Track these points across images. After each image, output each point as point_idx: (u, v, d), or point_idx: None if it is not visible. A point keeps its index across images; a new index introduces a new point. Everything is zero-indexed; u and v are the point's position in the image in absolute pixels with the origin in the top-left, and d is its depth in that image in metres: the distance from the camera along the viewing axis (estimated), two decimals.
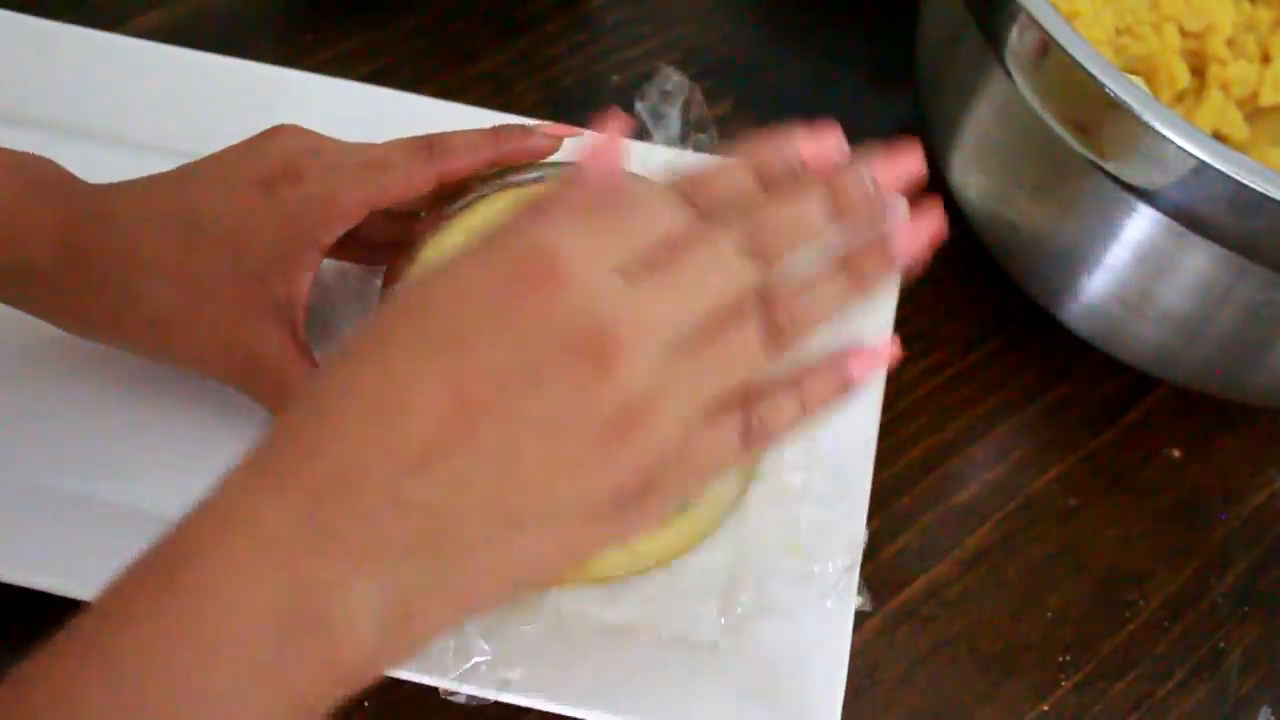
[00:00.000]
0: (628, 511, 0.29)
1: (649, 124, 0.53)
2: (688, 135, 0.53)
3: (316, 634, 0.27)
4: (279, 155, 0.41)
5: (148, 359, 0.42)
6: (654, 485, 0.29)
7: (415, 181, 0.42)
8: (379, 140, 0.44)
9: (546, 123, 0.44)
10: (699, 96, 0.54)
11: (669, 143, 0.53)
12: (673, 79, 0.54)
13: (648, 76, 0.58)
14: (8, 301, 0.41)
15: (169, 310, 0.40)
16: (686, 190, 0.31)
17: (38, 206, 0.40)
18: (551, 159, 0.45)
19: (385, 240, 0.44)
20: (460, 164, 0.42)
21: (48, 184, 0.41)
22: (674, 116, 0.54)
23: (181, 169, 0.42)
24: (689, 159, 0.52)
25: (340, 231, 0.41)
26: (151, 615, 0.26)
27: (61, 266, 0.40)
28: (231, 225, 0.40)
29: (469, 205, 0.43)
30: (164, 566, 0.27)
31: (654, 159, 0.51)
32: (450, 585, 0.28)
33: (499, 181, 0.44)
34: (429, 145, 0.42)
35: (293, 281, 0.40)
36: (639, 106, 0.54)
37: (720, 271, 0.30)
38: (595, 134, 0.31)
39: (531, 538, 0.28)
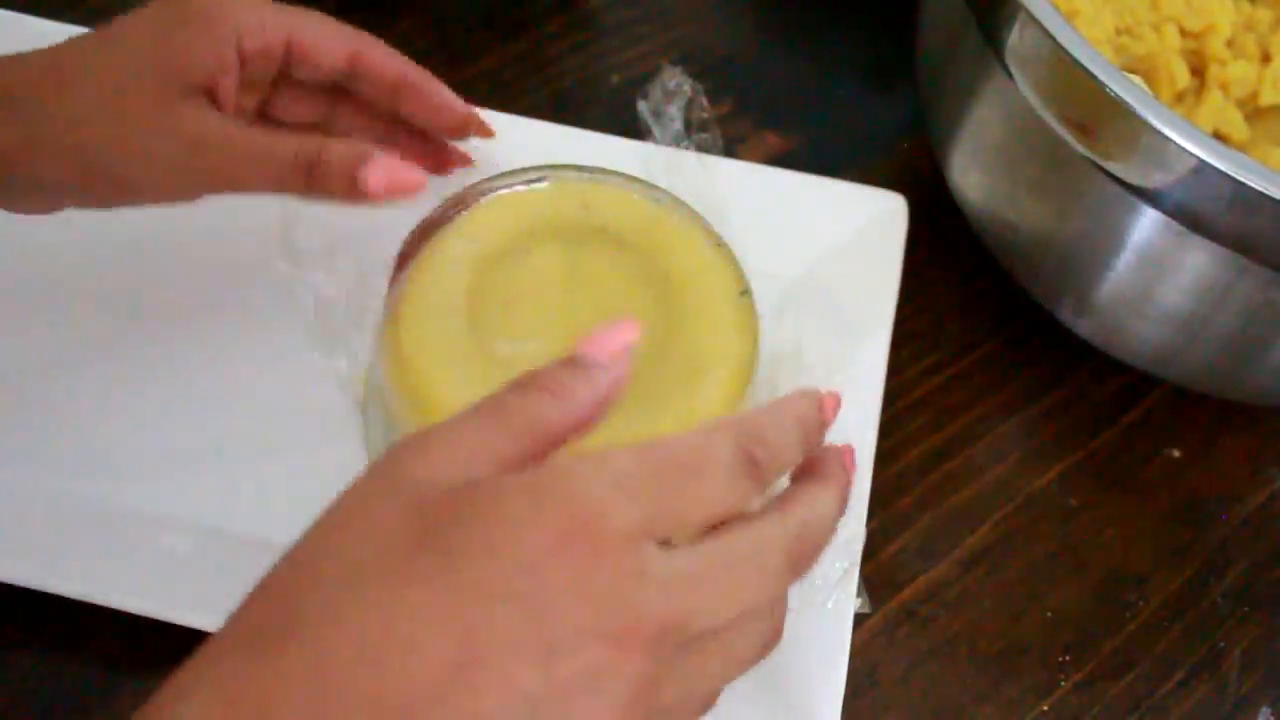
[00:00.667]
0: None
1: (651, 123, 0.53)
2: (690, 134, 0.53)
3: None
4: None
5: (74, 194, 0.41)
6: None
7: (342, 39, 0.43)
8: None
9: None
10: (701, 96, 0.54)
11: (671, 141, 0.53)
12: (675, 78, 0.54)
13: (648, 76, 0.58)
14: None
15: (98, 106, 0.39)
16: (751, 448, 0.29)
17: None
18: (553, 162, 0.45)
19: (298, 122, 0.44)
20: (376, 56, 0.43)
21: None
22: (676, 116, 0.54)
23: None
24: (689, 159, 0.52)
25: (253, 24, 0.41)
26: None
27: None
28: (152, 27, 0.40)
29: (465, 210, 0.43)
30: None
31: (657, 159, 0.51)
32: None
33: (496, 186, 0.44)
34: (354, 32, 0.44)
35: (219, 80, 0.40)
36: (641, 106, 0.54)
37: (763, 576, 0.29)
38: None
39: None
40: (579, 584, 0.26)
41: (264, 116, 0.45)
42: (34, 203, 0.42)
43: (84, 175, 0.40)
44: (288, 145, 0.40)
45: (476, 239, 0.42)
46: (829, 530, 0.31)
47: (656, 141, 0.53)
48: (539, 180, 0.44)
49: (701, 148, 0.53)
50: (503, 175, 0.44)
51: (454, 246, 0.41)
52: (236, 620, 0.26)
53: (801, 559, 0.30)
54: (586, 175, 0.44)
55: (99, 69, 0.40)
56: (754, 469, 0.29)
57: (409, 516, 0.27)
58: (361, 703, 0.24)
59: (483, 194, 0.44)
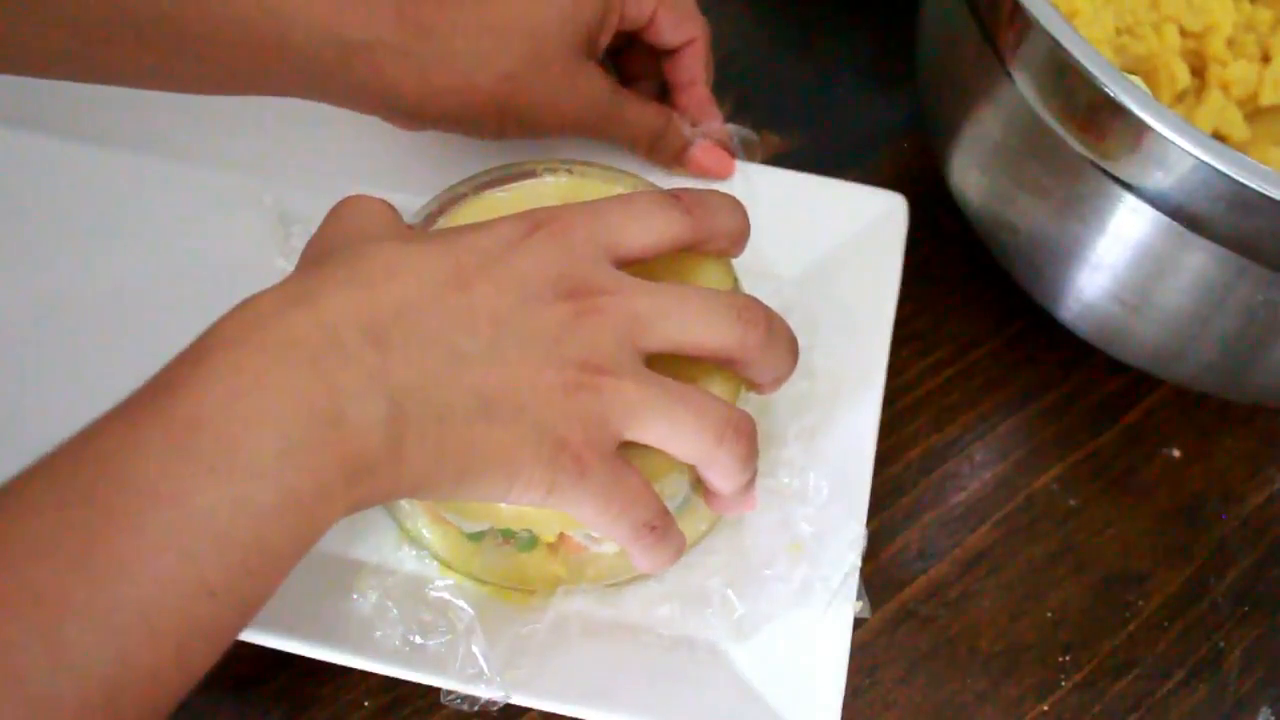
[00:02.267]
0: (561, 471, 0.34)
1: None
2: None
3: (336, 427, 0.31)
4: None
5: (483, 129, 0.45)
6: (587, 463, 0.35)
7: (679, 26, 0.49)
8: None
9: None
10: (738, 95, 0.54)
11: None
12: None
13: None
14: (340, 95, 0.43)
15: (523, 64, 0.44)
16: (672, 191, 0.40)
17: None
18: (537, 159, 0.44)
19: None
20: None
21: None
22: None
23: None
24: None
25: (633, 12, 0.47)
26: (202, 385, 0.30)
27: (403, 36, 0.42)
28: None
29: (455, 208, 0.43)
30: (204, 355, 0.31)
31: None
32: (431, 437, 0.33)
33: (481, 185, 0.43)
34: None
35: (603, 38, 0.47)
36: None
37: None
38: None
39: (495, 434, 0.33)
40: (547, 255, 0.36)
41: None
42: (425, 124, 0.45)
43: (499, 121, 0.45)
44: (647, 118, 0.49)
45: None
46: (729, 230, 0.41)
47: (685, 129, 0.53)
48: (524, 177, 0.43)
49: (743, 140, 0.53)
50: (487, 172, 0.44)
51: None
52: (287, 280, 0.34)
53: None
54: (571, 170, 0.44)
55: (524, 24, 0.43)
56: (677, 201, 0.39)
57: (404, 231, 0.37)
58: (384, 300, 0.33)
59: (470, 194, 0.43)
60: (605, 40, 0.47)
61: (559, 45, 0.44)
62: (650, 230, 0.38)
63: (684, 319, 0.37)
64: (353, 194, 0.39)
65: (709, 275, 0.43)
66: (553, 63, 0.44)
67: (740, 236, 0.42)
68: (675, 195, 0.39)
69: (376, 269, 0.34)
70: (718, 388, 0.40)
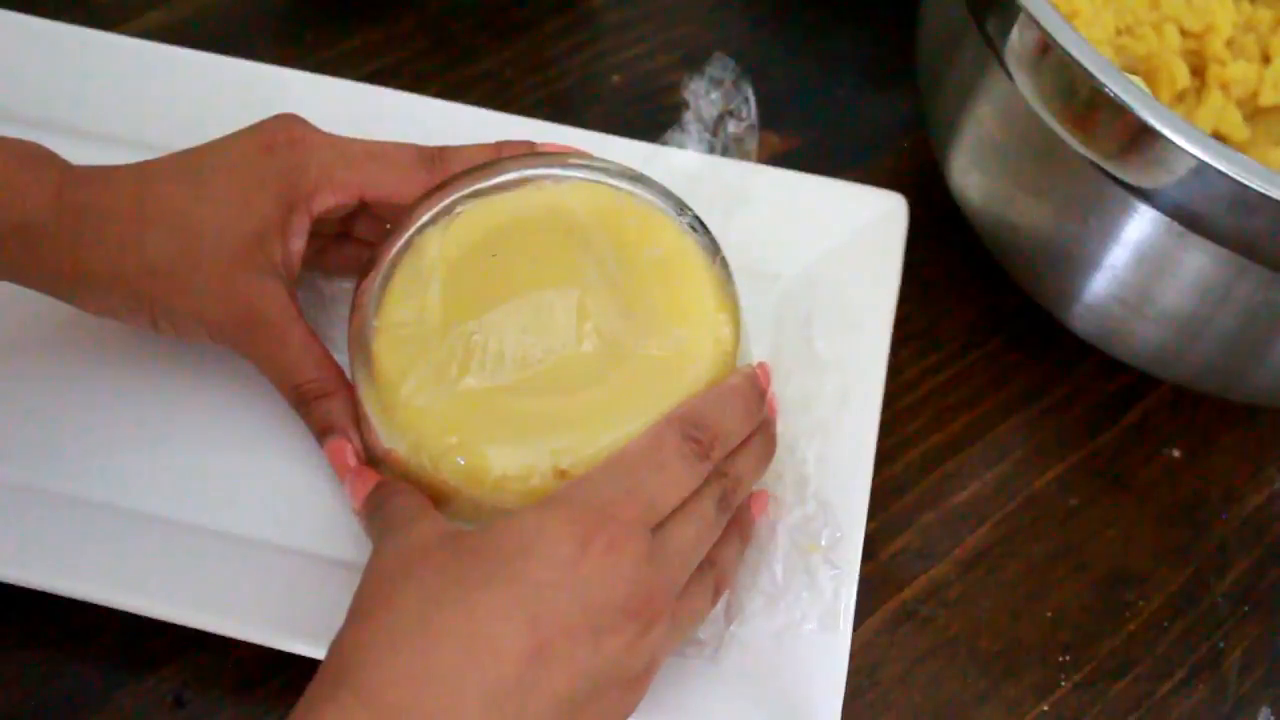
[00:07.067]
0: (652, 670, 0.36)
1: (694, 106, 0.53)
2: (722, 121, 0.53)
3: None
4: (283, 126, 0.43)
5: (139, 321, 0.42)
6: (658, 624, 0.35)
7: (412, 187, 0.43)
8: (378, 139, 0.44)
9: (549, 144, 0.45)
10: (747, 89, 0.54)
11: (703, 126, 0.52)
12: (720, 64, 0.54)
13: (649, 76, 0.58)
14: (3, 273, 0.41)
15: (171, 259, 0.40)
16: (692, 433, 0.37)
17: (32, 169, 0.40)
18: (531, 166, 0.43)
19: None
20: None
21: (42, 155, 0.41)
22: (715, 101, 0.53)
23: (185, 150, 0.43)
24: (690, 159, 0.51)
25: (330, 203, 0.42)
26: None
27: (59, 219, 0.40)
28: (234, 182, 0.41)
29: (441, 220, 0.42)
30: None
31: (656, 159, 0.51)
32: None
33: (473, 191, 0.42)
34: (433, 158, 0.44)
35: (288, 243, 0.42)
36: (686, 92, 0.53)
37: (709, 528, 0.37)
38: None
39: None
40: (608, 573, 0.33)
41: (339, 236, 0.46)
42: (91, 308, 0.42)
43: (150, 313, 0.41)
44: (305, 371, 0.41)
45: (444, 255, 0.41)
46: (753, 474, 0.40)
47: (689, 128, 0.53)
48: (507, 174, 0.43)
49: (727, 149, 0.53)
50: (470, 174, 0.43)
51: (424, 258, 0.40)
52: (346, 650, 0.32)
53: (728, 502, 0.38)
54: (552, 165, 0.43)
55: (180, 219, 0.41)
56: (701, 448, 0.37)
57: (443, 545, 0.34)
58: (476, 693, 0.31)
59: (456, 201, 0.42)
60: (296, 246, 0.42)
61: (216, 248, 0.40)
62: (681, 491, 0.36)
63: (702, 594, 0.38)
64: (384, 483, 0.39)
65: (692, 264, 0.42)
66: (205, 266, 0.40)
67: (759, 475, 0.41)
68: (697, 440, 0.37)
69: (448, 659, 0.32)
70: (706, 365, 0.40)
